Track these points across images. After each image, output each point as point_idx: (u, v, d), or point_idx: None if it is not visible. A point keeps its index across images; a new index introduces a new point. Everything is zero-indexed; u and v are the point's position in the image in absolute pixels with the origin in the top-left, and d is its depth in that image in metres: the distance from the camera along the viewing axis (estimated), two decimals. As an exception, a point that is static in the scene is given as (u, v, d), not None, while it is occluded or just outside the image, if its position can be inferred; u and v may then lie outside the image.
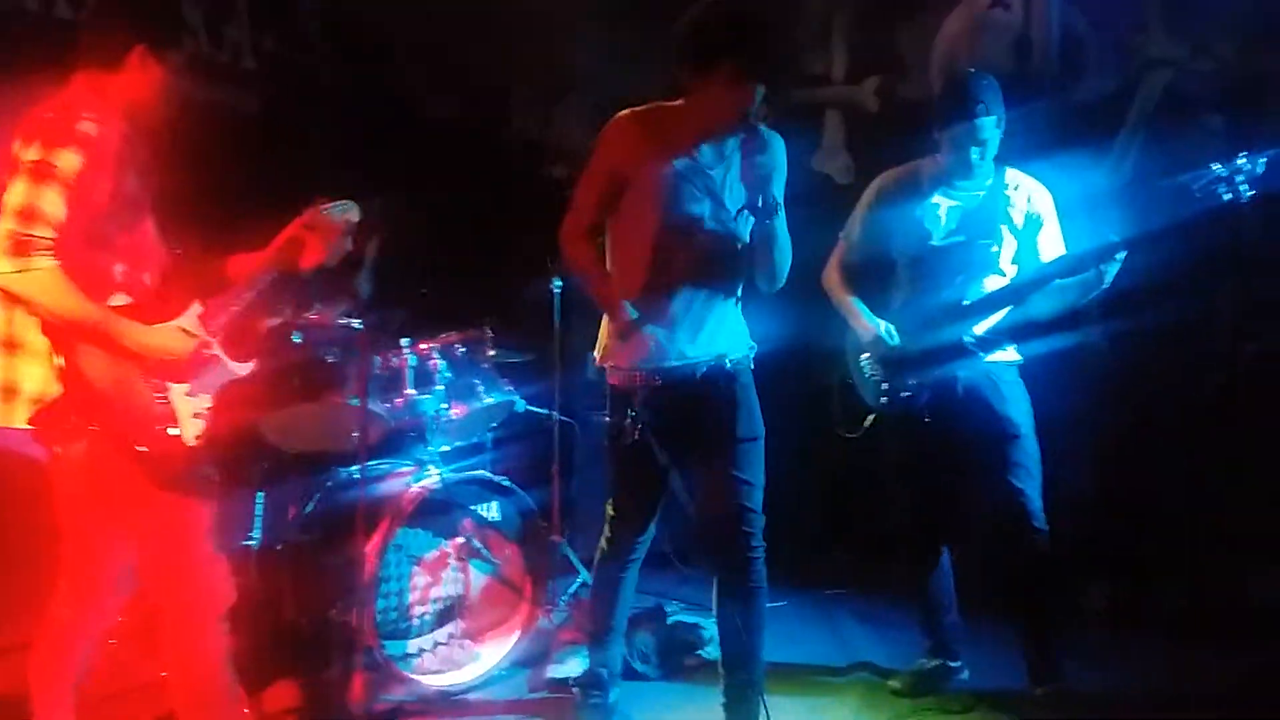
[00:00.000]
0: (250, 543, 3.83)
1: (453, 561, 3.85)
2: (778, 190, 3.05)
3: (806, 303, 3.77)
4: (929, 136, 3.51)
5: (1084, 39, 5.02)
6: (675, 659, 3.93)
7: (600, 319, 3.29)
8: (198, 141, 3.04)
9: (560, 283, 4.50)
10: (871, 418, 3.64)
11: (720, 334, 3.15)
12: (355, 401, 3.61)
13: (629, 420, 3.14)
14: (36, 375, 2.49)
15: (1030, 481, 3.43)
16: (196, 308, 2.66)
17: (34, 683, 2.70)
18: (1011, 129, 3.44)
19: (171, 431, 2.53)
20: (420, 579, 3.77)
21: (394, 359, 3.91)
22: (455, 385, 4.00)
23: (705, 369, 3.13)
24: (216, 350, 2.69)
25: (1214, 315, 4.52)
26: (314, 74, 5.41)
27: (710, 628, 3.75)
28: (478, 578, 3.91)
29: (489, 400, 4.06)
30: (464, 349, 4.06)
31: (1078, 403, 4.29)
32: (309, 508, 3.85)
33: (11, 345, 2.53)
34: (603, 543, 3.45)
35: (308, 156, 4.79)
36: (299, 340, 3.74)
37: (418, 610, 3.76)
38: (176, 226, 2.72)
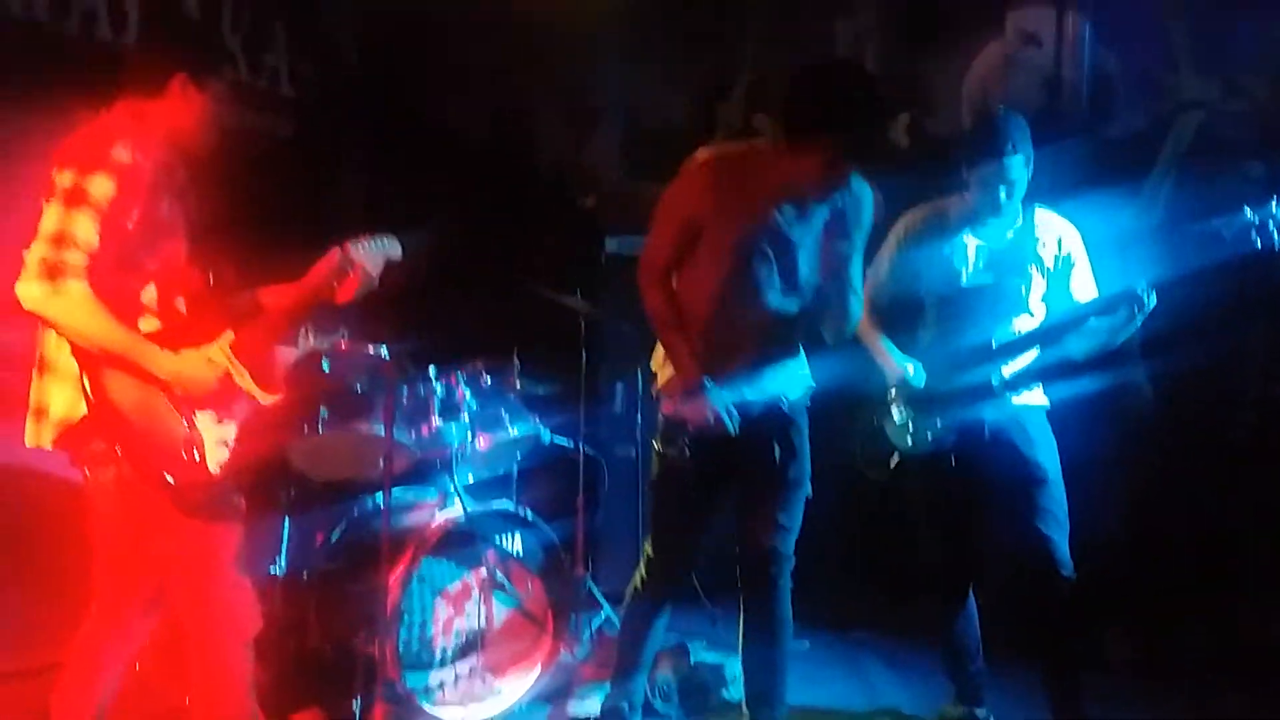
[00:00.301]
0: (275, 570, 3.84)
1: (475, 593, 3.83)
2: (860, 239, 3.03)
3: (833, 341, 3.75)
4: (957, 174, 3.51)
5: (1115, 79, 5.01)
6: (696, 699, 3.88)
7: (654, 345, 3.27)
8: (234, 167, 3.06)
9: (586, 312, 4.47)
10: (897, 459, 3.62)
11: (779, 376, 3.15)
12: (381, 430, 3.62)
13: (683, 449, 3.11)
14: (64, 397, 2.50)
15: (1057, 528, 3.39)
16: (229, 335, 2.66)
17: (57, 706, 2.69)
18: (1041, 168, 3.42)
19: (197, 459, 2.54)
20: (443, 610, 3.76)
21: (421, 388, 3.91)
22: (481, 416, 3.99)
23: (761, 409, 3.12)
24: (246, 380, 2.67)
25: (1244, 358, 4.48)
26: (350, 101, 5.48)
27: (733, 668, 3.71)
28: (500, 610, 3.89)
29: (515, 432, 4.05)
30: (491, 379, 4.05)
31: (1106, 445, 4.24)
32: (335, 536, 3.86)
33: (44, 366, 2.54)
34: (637, 580, 3.41)
35: (343, 182, 4.84)
36: (327, 369, 3.75)
37: (440, 642, 3.75)
38: (212, 252, 2.73)
